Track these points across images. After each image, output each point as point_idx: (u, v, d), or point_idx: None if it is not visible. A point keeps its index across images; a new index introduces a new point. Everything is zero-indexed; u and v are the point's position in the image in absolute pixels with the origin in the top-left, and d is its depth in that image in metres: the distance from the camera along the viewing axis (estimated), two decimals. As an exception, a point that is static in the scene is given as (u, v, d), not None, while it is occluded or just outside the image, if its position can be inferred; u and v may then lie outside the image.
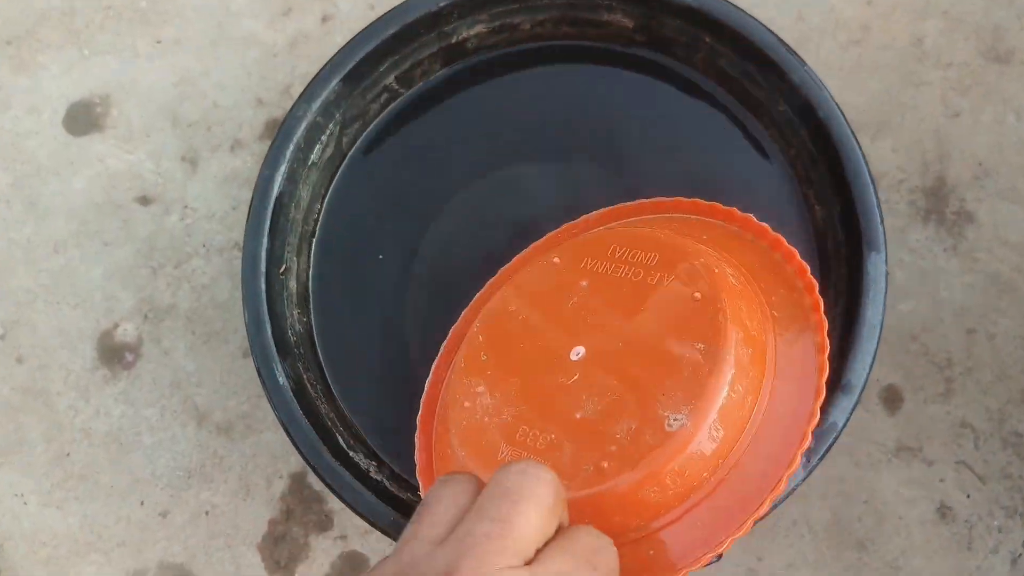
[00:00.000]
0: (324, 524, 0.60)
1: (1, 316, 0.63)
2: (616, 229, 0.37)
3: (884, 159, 0.64)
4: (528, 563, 0.23)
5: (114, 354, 0.62)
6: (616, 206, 0.40)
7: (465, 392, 0.33)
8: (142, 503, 0.61)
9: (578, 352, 0.30)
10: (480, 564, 0.22)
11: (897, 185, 0.63)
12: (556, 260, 0.36)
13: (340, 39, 0.66)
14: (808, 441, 0.29)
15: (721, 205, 0.37)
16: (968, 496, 0.60)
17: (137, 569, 0.60)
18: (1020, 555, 0.59)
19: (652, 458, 0.28)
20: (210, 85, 0.65)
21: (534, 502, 0.24)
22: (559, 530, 0.25)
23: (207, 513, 0.60)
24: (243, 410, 0.61)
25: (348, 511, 0.60)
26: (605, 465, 0.28)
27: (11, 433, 0.61)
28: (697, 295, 0.30)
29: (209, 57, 0.65)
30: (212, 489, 0.60)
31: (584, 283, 0.33)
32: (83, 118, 0.65)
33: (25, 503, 0.61)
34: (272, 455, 0.60)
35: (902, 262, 0.62)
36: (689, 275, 0.31)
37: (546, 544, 0.24)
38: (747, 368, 0.29)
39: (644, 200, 0.40)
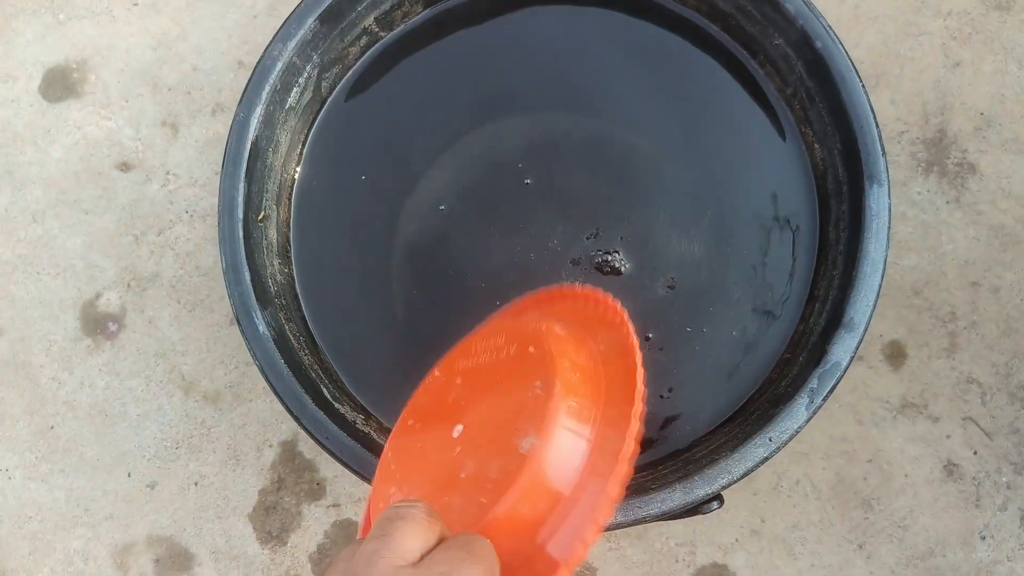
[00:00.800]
0: (316, 493, 0.58)
1: (-20, 288, 0.61)
2: (476, 331, 0.44)
3: (883, 111, 0.62)
4: (414, 565, 0.29)
5: (97, 324, 0.61)
6: (490, 319, 0.46)
7: (382, 497, 0.38)
8: (129, 475, 0.59)
9: (457, 430, 0.37)
10: (371, 569, 0.28)
11: (898, 137, 0.62)
12: (436, 374, 0.42)
13: (323, -2, 0.64)
14: (636, 425, 0.34)
15: (565, 288, 0.44)
16: (975, 453, 0.58)
17: (125, 542, 0.58)
18: (1029, 512, 0.58)
19: (516, 481, 0.32)
20: (189, 48, 0.63)
21: (407, 519, 0.30)
22: (441, 541, 0.31)
23: (196, 484, 0.59)
24: (231, 379, 0.59)
25: (340, 479, 0.59)
26: (484, 500, 0.33)
27: (-7, 407, 0.60)
28: (532, 350, 0.37)
29: (187, 19, 0.64)
30: (200, 460, 0.59)
31: (458, 380, 0.40)
32: (60, 84, 0.63)
33: (9, 477, 0.59)
34: (262, 424, 0.59)
35: (904, 216, 0.61)
36: (524, 338, 0.38)
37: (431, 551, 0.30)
38: (578, 387, 0.35)
39: (510, 305, 0.46)
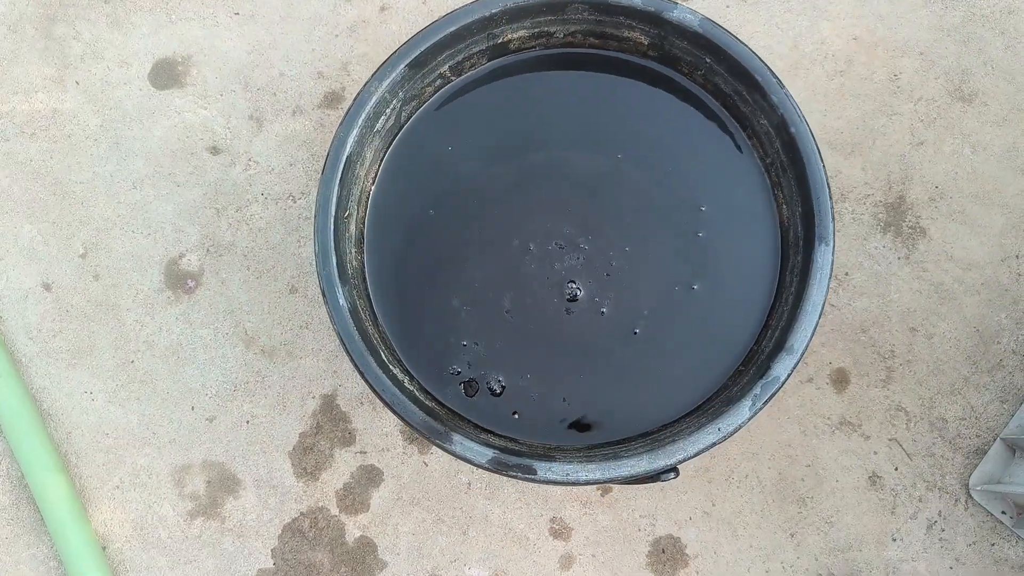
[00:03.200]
0: (347, 440, 0.70)
1: (84, 238, 0.72)
2: None
3: (854, 176, 0.73)
4: None
5: (178, 280, 0.72)
6: None
7: None
8: (192, 408, 0.71)
9: None
10: None
11: (863, 199, 0.73)
12: None
13: (395, 27, 0.75)
14: None
15: None
16: (896, 469, 0.70)
17: (184, 463, 0.70)
18: (935, 522, 0.69)
19: None
20: (278, 56, 0.75)
21: None
22: None
23: (247, 422, 0.70)
24: (286, 338, 0.71)
25: (369, 430, 0.70)
26: None
27: (84, 339, 0.71)
28: None
29: (279, 31, 0.75)
30: (253, 402, 0.70)
31: None
32: (166, 74, 0.75)
33: (93, 399, 0.71)
34: (308, 378, 0.70)
35: (861, 265, 0.72)
36: None
37: None
38: None
39: None
